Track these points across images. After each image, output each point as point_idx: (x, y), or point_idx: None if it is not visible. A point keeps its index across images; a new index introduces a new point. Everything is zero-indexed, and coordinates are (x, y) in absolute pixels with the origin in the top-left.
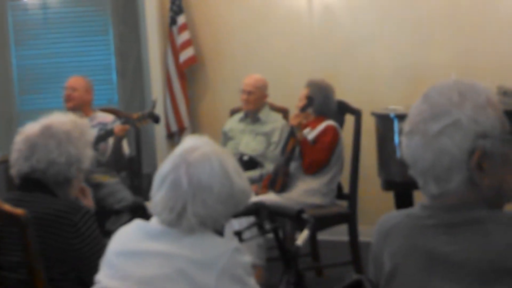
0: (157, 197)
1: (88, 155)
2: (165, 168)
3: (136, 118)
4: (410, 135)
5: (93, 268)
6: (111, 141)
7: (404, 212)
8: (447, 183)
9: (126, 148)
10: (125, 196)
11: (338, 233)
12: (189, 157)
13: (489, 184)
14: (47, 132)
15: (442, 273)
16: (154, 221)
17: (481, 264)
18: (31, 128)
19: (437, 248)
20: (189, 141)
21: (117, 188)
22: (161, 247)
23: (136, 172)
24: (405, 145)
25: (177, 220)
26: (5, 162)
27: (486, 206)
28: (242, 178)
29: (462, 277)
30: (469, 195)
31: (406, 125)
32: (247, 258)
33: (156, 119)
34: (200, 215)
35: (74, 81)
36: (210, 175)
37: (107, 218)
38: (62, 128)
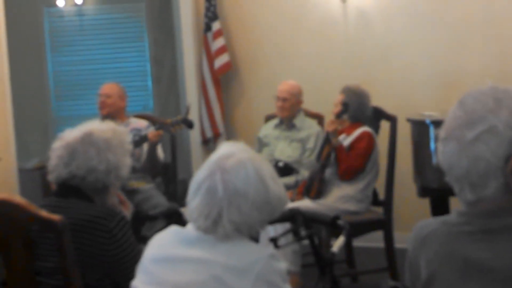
0: (193, 204)
1: (127, 163)
2: (200, 174)
3: (170, 123)
4: (446, 141)
5: (129, 274)
6: (145, 147)
7: (440, 219)
8: (483, 190)
9: (160, 153)
10: (160, 202)
11: (374, 240)
12: (225, 164)
13: None
14: (88, 139)
15: (479, 280)
16: (189, 228)
17: None
18: (71, 134)
19: (474, 255)
20: (224, 148)
21: (152, 194)
22: (197, 254)
23: (171, 178)
24: (441, 151)
25: (213, 227)
26: (42, 168)
27: None
28: (278, 184)
29: (499, 284)
30: (506, 201)
31: (442, 132)
32: (283, 264)
33: (190, 125)
34: (236, 222)
35: (108, 88)
36: (246, 182)
37: (142, 224)
38: (102, 136)
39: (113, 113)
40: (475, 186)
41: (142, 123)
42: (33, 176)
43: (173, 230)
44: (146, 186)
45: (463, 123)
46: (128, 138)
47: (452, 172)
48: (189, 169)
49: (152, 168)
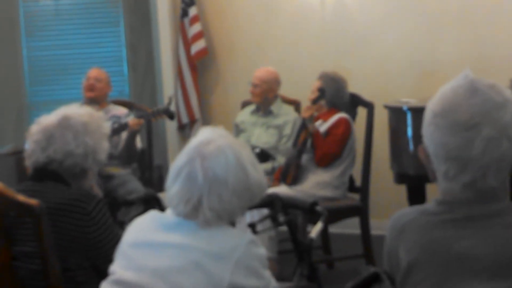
0: (173, 189)
1: (104, 147)
2: (180, 160)
3: (151, 113)
4: (478, 127)
5: (108, 256)
6: (124, 135)
7: (418, 208)
8: (505, 174)
9: (138, 143)
10: (136, 187)
11: (350, 226)
12: (204, 150)
13: None
14: (65, 123)
15: (461, 267)
16: (169, 213)
17: (500, 258)
18: (49, 119)
19: (456, 242)
20: (204, 134)
21: (128, 179)
22: (177, 239)
23: (147, 164)
24: (470, 139)
25: (193, 213)
26: (17, 154)
27: (507, 198)
28: (257, 170)
29: (481, 271)
30: (506, 188)
31: (467, 119)
32: (262, 250)
33: (171, 115)
34: (216, 209)
35: (97, 72)
36: (226, 168)
37: (118, 209)
38: (79, 119)
39: (98, 98)
40: (502, 171)
41: (121, 111)
42: (7, 162)
43: (152, 215)
44: (121, 172)
45: (495, 106)
46: (106, 122)
47: (485, 157)
48: (165, 155)
49: (128, 157)
